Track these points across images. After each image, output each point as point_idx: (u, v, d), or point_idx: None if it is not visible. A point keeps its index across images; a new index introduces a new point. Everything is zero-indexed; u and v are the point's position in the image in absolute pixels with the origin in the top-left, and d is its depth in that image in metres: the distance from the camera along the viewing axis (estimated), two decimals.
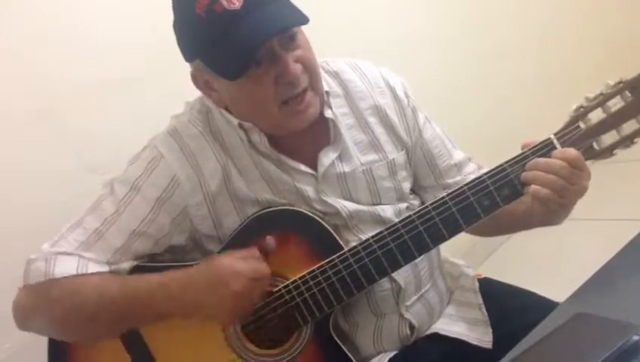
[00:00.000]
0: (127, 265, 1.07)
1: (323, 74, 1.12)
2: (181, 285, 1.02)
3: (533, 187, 0.96)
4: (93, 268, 1.04)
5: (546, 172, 0.96)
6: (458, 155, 1.21)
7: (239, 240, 1.07)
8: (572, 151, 0.96)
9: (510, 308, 1.18)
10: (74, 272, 1.02)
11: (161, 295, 1.02)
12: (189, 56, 1.03)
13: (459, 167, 1.20)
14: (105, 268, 1.05)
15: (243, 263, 1.01)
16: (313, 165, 1.10)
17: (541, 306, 1.06)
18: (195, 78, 1.06)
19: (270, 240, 1.04)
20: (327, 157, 1.09)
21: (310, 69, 1.02)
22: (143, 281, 1.04)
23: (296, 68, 0.99)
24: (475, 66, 2.40)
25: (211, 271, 1.02)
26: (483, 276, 1.29)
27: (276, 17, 0.96)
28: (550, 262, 2.20)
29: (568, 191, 0.96)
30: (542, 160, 0.97)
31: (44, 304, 1.03)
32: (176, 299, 1.02)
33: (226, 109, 1.08)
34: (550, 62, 2.68)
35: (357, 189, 1.12)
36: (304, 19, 0.98)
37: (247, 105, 1.04)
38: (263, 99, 1.01)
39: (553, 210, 1.00)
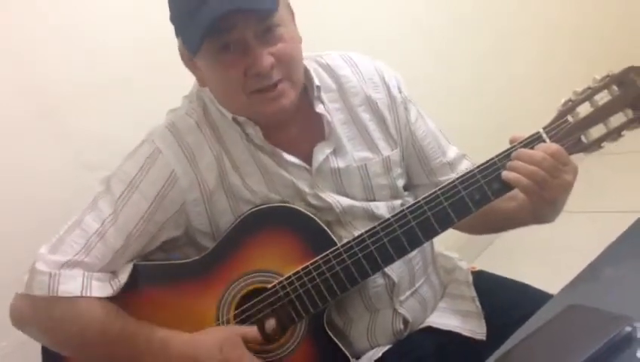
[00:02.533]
0: (125, 276, 1.05)
1: (316, 67, 1.13)
2: (181, 348, 1.03)
3: (514, 175, 0.98)
4: (96, 289, 1.02)
5: (528, 163, 0.97)
6: (452, 153, 1.21)
7: (233, 237, 1.08)
8: (554, 145, 0.97)
9: (504, 301, 1.18)
10: (78, 294, 1.01)
11: (159, 350, 1.03)
12: (175, 30, 1.04)
13: (452, 165, 1.20)
14: (107, 289, 1.03)
15: (248, 358, 1.03)
16: (308, 160, 1.10)
17: (535, 298, 1.07)
18: (181, 54, 1.07)
19: (271, 325, 1.06)
20: (321, 153, 1.10)
21: (287, 62, 1.01)
22: (145, 330, 1.04)
23: (267, 61, 0.98)
24: (472, 64, 2.41)
25: (214, 349, 1.02)
26: (477, 269, 1.29)
27: None
28: (544, 255, 2.21)
29: (549, 184, 0.97)
30: (525, 151, 0.98)
31: (43, 320, 1.03)
32: (172, 359, 1.03)
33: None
34: (546, 60, 2.69)
35: (351, 185, 1.12)
36: (272, 5, 0.97)
37: (217, 88, 1.06)
38: (230, 85, 1.01)
39: (538, 204, 1.01)
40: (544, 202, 1.00)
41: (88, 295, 1.02)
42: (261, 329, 1.06)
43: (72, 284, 1.01)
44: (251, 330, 1.05)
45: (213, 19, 0.95)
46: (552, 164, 0.96)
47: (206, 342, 1.03)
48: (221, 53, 0.99)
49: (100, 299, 1.02)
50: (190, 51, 1.02)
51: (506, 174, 0.99)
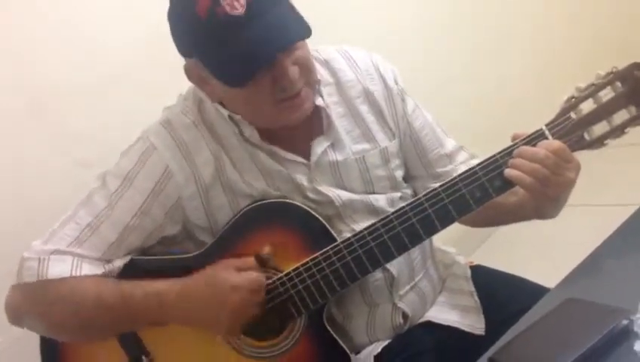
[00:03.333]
0: (120, 262, 1.06)
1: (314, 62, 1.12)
2: (177, 297, 1.03)
3: (517, 173, 0.97)
4: (87, 269, 1.03)
5: (531, 160, 0.96)
6: (450, 144, 1.21)
7: (232, 233, 1.08)
8: (557, 142, 0.97)
9: (502, 295, 1.19)
10: (67, 274, 1.01)
11: (157, 305, 1.03)
12: (183, 51, 1.02)
13: (450, 156, 1.20)
14: (99, 269, 1.04)
15: (239, 277, 1.01)
16: (306, 155, 1.09)
17: (532, 292, 1.07)
18: (189, 72, 1.05)
19: (266, 249, 1.04)
20: (319, 146, 1.09)
21: (307, 67, 1.01)
22: (139, 289, 1.03)
23: (295, 72, 0.98)
24: (465, 58, 2.40)
25: (208, 285, 1.02)
26: (475, 263, 1.30)
27: (279, 30, 0.95)
28: (542, 248, 2.22)
29: (552, 182, 0.96)
30: (527, 148, 0.98)
31: (37, 305, 1.03)
32: (171, 310, 1.03)
33: (220, 103, 1.07)
34: (540, 54, 2.68)
35: (350, 178, 1.12)
36: (307, 32, 0.96)
37: (243, 106, 1.04)
38: (259, 101, 1.00)
39: (540, 201, 1.01)
40: (547, 199, 1.00)
41: (78, 274, 1.02)
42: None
43: (60, 266, 1.02)
44: (243, 260, 1.03)
45: (264, 59, 0.94)
46: (554, 162, 0.95)
47: (199, 287, 1.03)
48: None
49: (90, 276, 1.02)
50: (228, 84, 0.98)
51: (508, 172, 0.98)
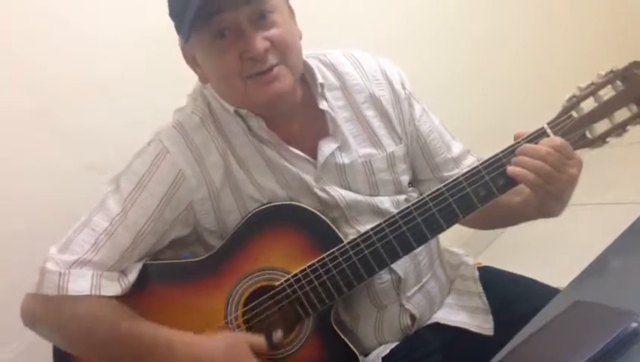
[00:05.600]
0: (134, 275, 1.06)
1: (319, 65, 1.13)
2: (186, 348, 1.03)
3: (520, 170, 0.98)
4: (105, 287, 1.03)
5: (533, 157, 0.97)
6: (456, 148, 1.21)
7: (239, 236, 1.08)
8: (558, 139, 0.97)
9: (511, 296, 1.18)
10: (87, 292, 1.02)
11: (164, 350, 1.03)
12: (175, 26, 1.05)
13: (456, 160, 1.20)
14: (116, 287, 1.04)
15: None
16: (312, 154, 1.10)
17: (541, 292, 1.08)
18: (183, 53, 1.08)
19: (278, 335, 1.06)
20: (327, 147, 1.10)
21: (283, 46, 1.02)
22: (151, 330, 1.04)
23: (262, 44, 0.99)
24: (466, 58, 2.40)
25: (219, 349, 1.03)
26: (483, 265, 1.29)
27: None
28: (549, 248, 2.20)
29: (555, 179, 0.97)
30: (530, 145, 0.98)
31: (53, 319, 1.04)
32: (177, 358, 1.03)
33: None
34: (542, 52, 2.68)
35: (356, 181, 1.12)
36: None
37: (215, 77, 1.06)
38: (227, 71, 1.02)
39: (544, 199, 1.01)
40: (550, 196, 1.00)
41: (97, 294, 1.02)
42: (268, 337, 1.07)
43: (81, 283, 1.02)
44: (257, 339, 1.06)
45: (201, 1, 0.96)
46: (557, 158, 0.96)
47: (211, 344, 1.04)
48: (216, 40, 1.00)
49: (109, 298, 1.03)
50: (183, 38, 1.03)
51: (511, 169, 0.99)
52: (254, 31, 0.99)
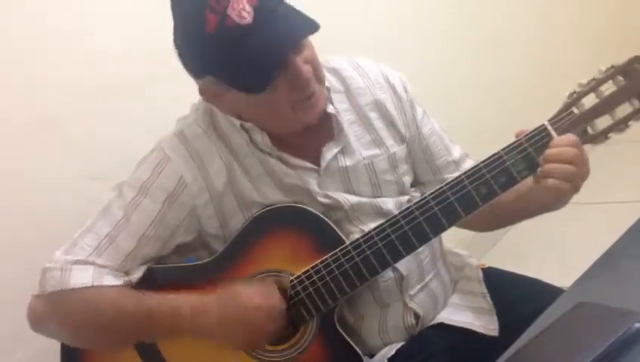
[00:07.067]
0: (137, 274, 1.07)
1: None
2: (193, 311, 1.04)
3: (554, 182, 0.96)
4: (107, 279, 1.05)
5: (561, 162, 0.96)
6: (456, 152, 1.22)
7: (243, 239, 1.09)
8: (573, 136, 0.97)
9: (515, 296, 1.18)
10: (89, 283, 1.03)
11: (172, 317, 1.04)
12: (197, 73, 1.03)
13: (457, 163, 1.21)
14: (119, 280, 1.05)
15: (260, 298, 1.03)
16: (316, 161, 1.10)
17: (546, 292, 1.08)
18: (203, 92, 1.06)
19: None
20: (329, 152, 1.10)
21: (316, 65, 1.03)
22: (157, 300, 1.05)
23: (308, 71, 0.99)
24: (466, 58, 2.40)
25: (226, 302, 1.04)
26: (487, 266, 1.29)
27: (288, 29, 0.96)
28: (553, 248, 2.20)
29: (576, 177, 0.97)
30: (555, 151, 0.96)
31: (58, 313, 1.05)
32: (186, 323, 1.04)
33: (237, 116, 1.08)
34: (543, 55, 2.68)
35: (359, 183, 1.13)
36: (315, 26, 0.97)
37: (264, 113, 1.05)
38: (279, 105, 1.01)
39: (561, 198, 1.01)
40: (569, 194, 1.00)
41: (99, 284, 1.03)
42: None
43: (82, 276, 1.04)
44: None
45: (280, 58, 0.95)
46: (579, 156, 0.96)
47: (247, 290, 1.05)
48: None
49: (111, 286, 1.04)
50: (249, 92, 0.99)
51: (547, 182, 0.96)
52: (297, 58, 0.98)
